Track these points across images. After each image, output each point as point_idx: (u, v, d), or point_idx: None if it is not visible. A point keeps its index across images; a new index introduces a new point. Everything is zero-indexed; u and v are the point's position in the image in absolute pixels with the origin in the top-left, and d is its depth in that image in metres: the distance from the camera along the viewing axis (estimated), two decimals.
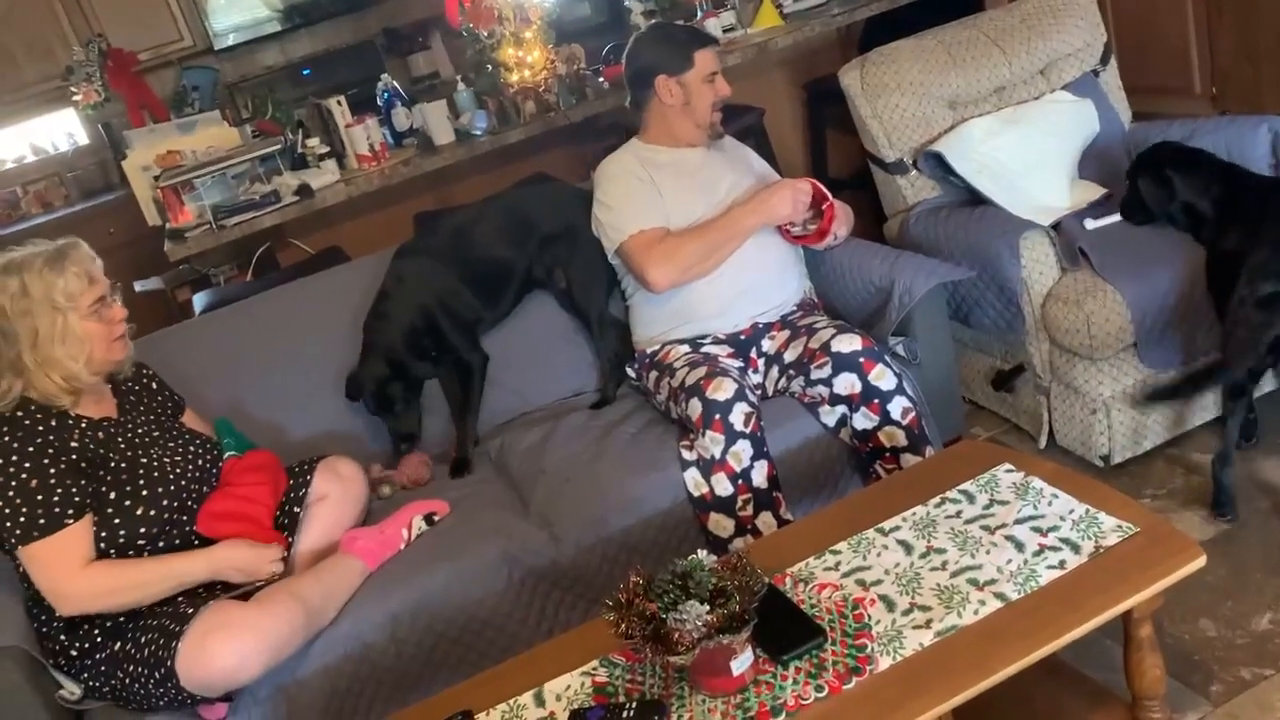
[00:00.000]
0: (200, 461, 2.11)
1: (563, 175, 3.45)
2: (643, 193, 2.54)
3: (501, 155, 3.72)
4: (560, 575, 2.20)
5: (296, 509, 2.23)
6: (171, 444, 2.10)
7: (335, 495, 2.27)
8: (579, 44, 4.06)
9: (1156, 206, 2.55)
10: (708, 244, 2.48)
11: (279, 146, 3.55)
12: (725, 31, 4.15)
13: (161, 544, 2.01)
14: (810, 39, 4.04)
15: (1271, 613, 2.08)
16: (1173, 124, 2.91)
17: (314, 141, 3.72)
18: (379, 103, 3.92)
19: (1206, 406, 2.61)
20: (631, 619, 1.54)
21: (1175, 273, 2.46)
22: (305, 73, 5.80)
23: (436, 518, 2.28)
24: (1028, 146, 2.83)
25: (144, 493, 1.98)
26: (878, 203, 3.18)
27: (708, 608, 1.51)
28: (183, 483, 2.05)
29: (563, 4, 5.81)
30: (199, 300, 3.35)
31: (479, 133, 3.65)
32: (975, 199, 2.82)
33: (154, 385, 2.23)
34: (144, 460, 2.02)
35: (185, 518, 2.05)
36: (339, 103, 3.75)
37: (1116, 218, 2.66)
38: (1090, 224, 2.65)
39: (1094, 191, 2.80)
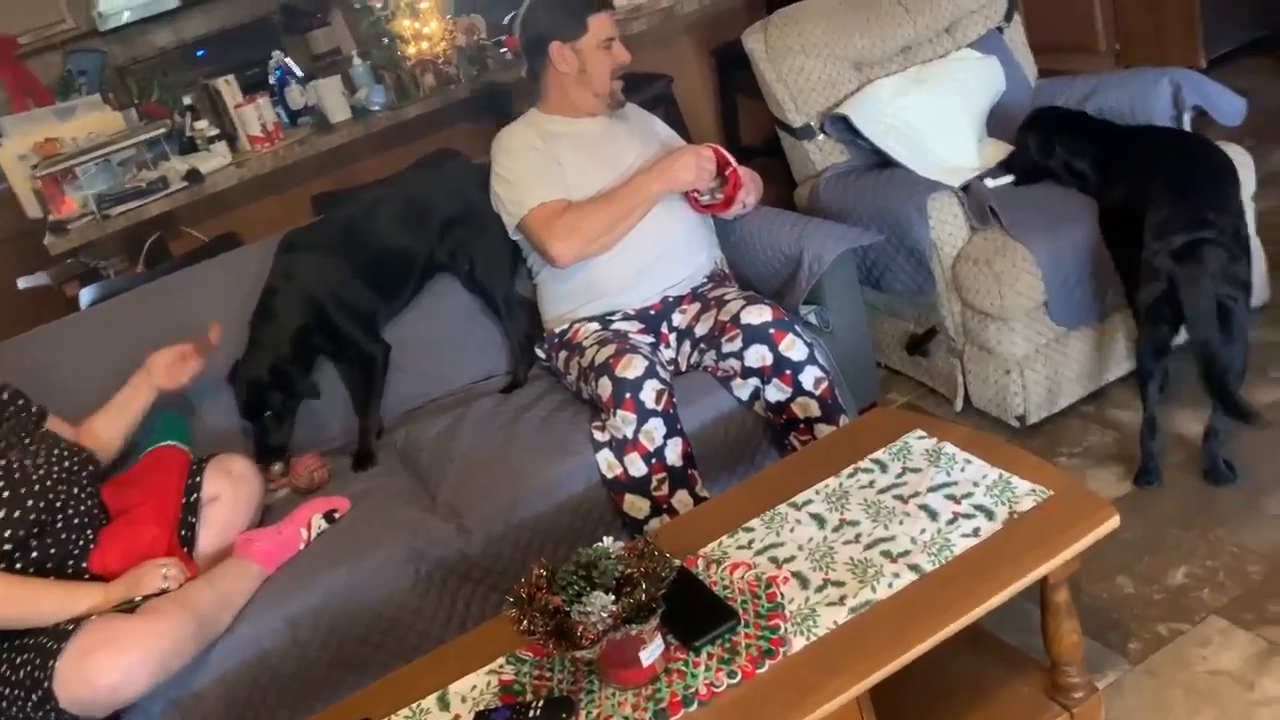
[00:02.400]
0: (67, 464, 2.00)
1: (468, 150, 3.34)
2: (541, 165, 2.45)
3: (402, 131, 3.59)
4: (471, 568, 2.11)
5: (193, 519, 2.11)
6: (33, 447, 1.99)
7: (228, 495, 2.15)
8: (480, 14, 3.94)
9: (1041, 168, 2.57)
10: (611, 214, 2.40)
11: (164, 130, 3.38)
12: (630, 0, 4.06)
13: (34, 548, 1.91)
14: (717, 3, 3.97)
15: (1186, 566, 2.08)
16: (1076, 80, 2.90)
17: (203, 124, 3.56)
18: (271, 81, 3.76)
19: (1119, 361, 2.61)
20: (534, 614, 1.47)
21: (1084, 229, 2.45)
22: (200, 54, 5.56)
23: (337, 515, 2.18)
24: (935, 106, 2.79)
25: (5, 494, 1.88)
26: (790, 169, 3.12)
27: (613, 598, 1.45)
28: (48, 483, 1.94)
29: None
30: (86, 295, 3.17)
31: (376, 108, 3.52)
32: (884, 162, 2.78)
33: (5, 396, 2.09)
34: (2, 464, 1.91)
35: (54, 520, 1.94)
36: (228, 82, 3.59)
37: (1012, 177, 2.65)
38: (990, 183, 2.63)
39: (1002, 150, 2.78)
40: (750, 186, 2.54)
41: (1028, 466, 1.73)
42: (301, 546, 2.11)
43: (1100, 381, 2.62)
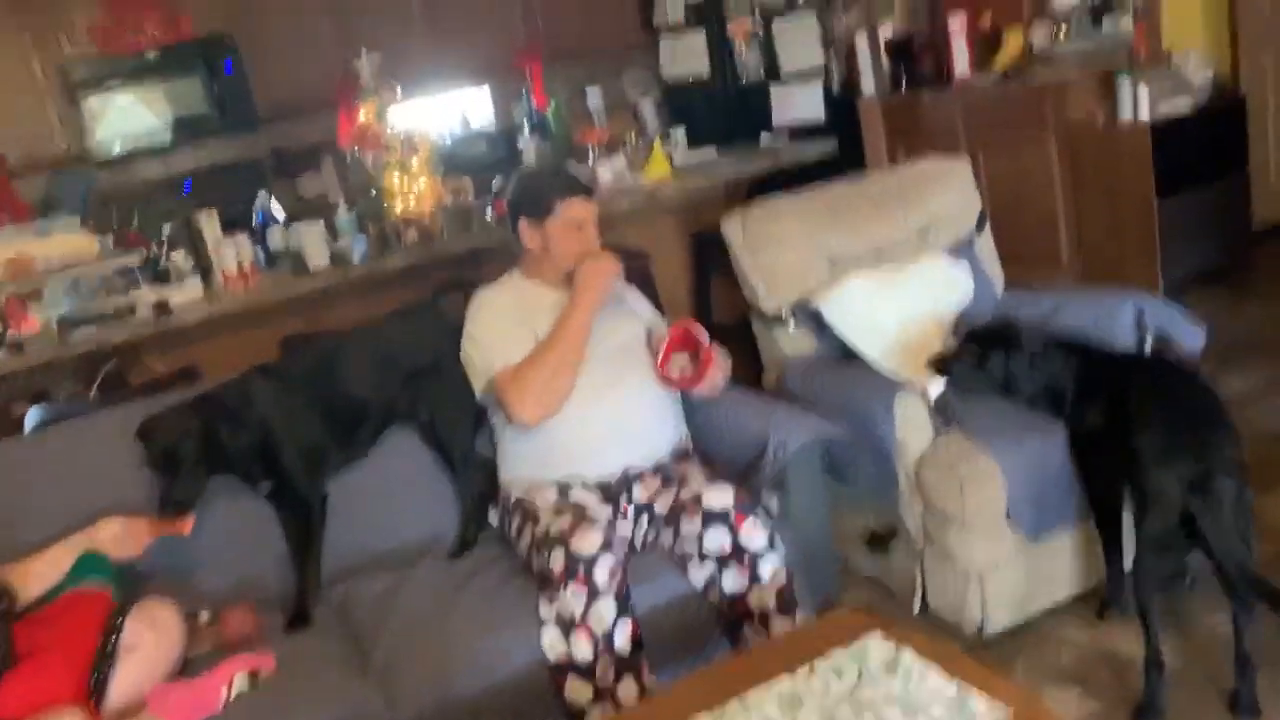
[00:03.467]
0: None
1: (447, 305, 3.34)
2: (513, 327, 2.45)
3: (380, 282, 3.60)
4: None
5: (106, 668, 1.97)
6: None
7: (148, 646, 2.02)
8: (471, 177, 4.04)
9: (997, 380, 2.53)
10: (553, 357, 2.38)
11: (138, 258, 3.37)
12: (616, 177, 4.19)
13: None
14: (699, 190, 4.10)
15: None
16: (1042, 294, 2.99)
17: (179, 255, 3.55)
18: (254, 221, 3.79)
19: (1082, 576, 2.58)
20: None
21: (1050, 440, 2.47)
22: (186, 188, 5.62)
23: (261, 675, 2.05)
24: (904, 307, 2.85)
25: None
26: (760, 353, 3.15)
27: None
28: None
29: (460, 140, 5.85)
30: (32, 415, 3.08)
31: (356, 258, 3.54)
32: (851, 355, 2.81)
33: None
34: None
35: None
36: (209, 216, 3.61)
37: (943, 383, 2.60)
38: (932, 390, 2.60)
39: None
40: (720, 365, 2.55)
41: (987, 683, 1.68)
42: (219, 709, 1.98)
43: (1061, 596, 2.58)
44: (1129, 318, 2.71)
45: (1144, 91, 4.30)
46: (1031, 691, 2.27)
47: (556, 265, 2.52)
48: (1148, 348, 2.71)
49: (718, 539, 2.21)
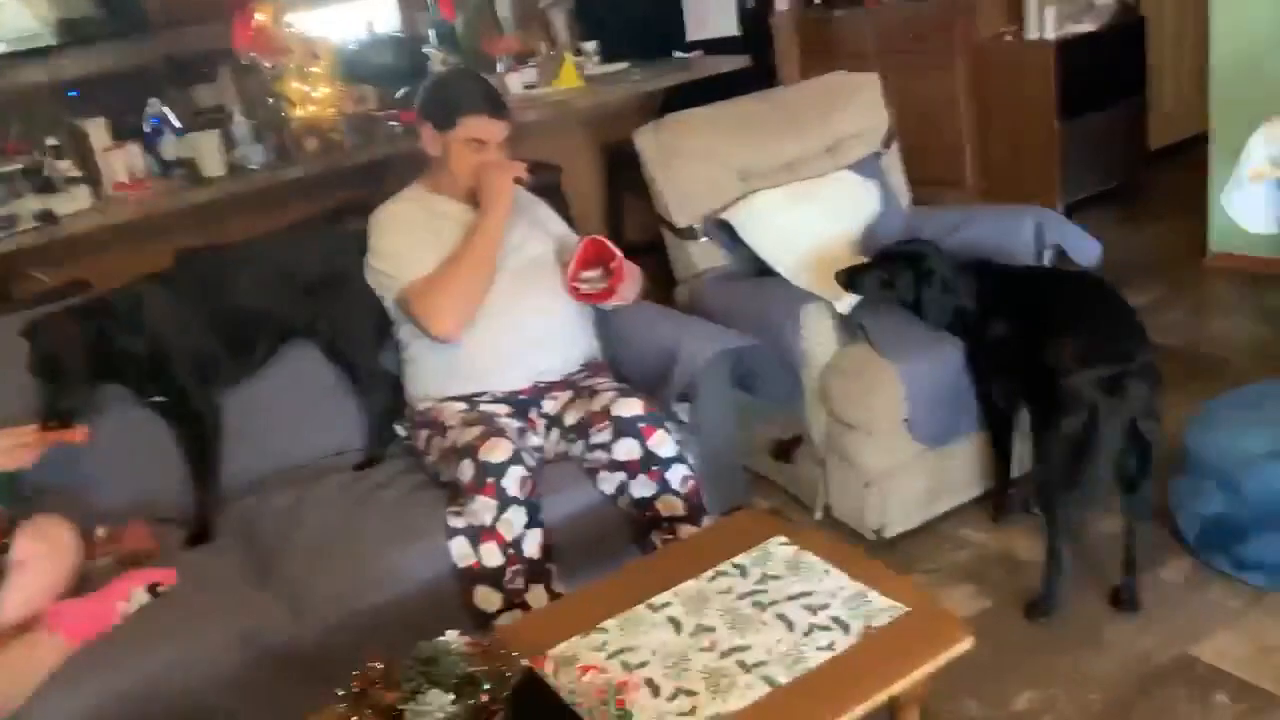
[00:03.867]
0: None
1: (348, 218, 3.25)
2: (420, 240, 2.40)
3: (279, 193, 3.48)
4: (303, 657, 1.97)
5: None
6: None
7: (39, 561, 1.96)
8: (377, 86, 3.90)
9: (903, 300, 2.55)
10: (465, 269, 2.34)
11: (19, 167, 3.19)
12: (526, 88, 4.09)
13: None
14: (611, 103, 4.04)
15: (1030, 692, 2.11)
16: (947, 210, 3.04)
17: (65, 164, 3.37)
18: (145, 129, 3.61)
19: (975, 482, 2.68)
20: (366, 711, 1.37)
21: (949, 353, 2.52)
22: (72, 94, 5.33)
23: (161, 588, 2.01)
24: (813, 221, 2.87)
25: None
26: (672, 268, 3.15)
27: (453, 697, 1.36)
28: None
29: (364, 47, 5.64)
30: None
31: (254, 167, 3.41)
32: (762, 269, 2.83)
33: None
34: None
35: None
36: (97, 125, 3.43)
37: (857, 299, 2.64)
38: (841, 305, 2.64)
39: None
40: (631, 279, 2.53)
41: (885, 581, 1.74)
42: (117, 621, 1.94)
43: (956, 500, 2.68)
44: (1029, 233, 2.77)
45: (1050, 11, 4.36)
46: (927, 589, 2.37)
47: (454, 179, 2.46)
48: (1046, 261, 2.78)
49: (627, 449, 2.22)
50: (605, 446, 2.24)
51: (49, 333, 2.20)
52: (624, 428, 2.22)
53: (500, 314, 2.40)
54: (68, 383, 2.16)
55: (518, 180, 2.43)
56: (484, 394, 2.41)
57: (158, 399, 2.36)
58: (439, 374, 2.44)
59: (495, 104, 2.46)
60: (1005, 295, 2.49)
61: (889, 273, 2.55)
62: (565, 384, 2.45)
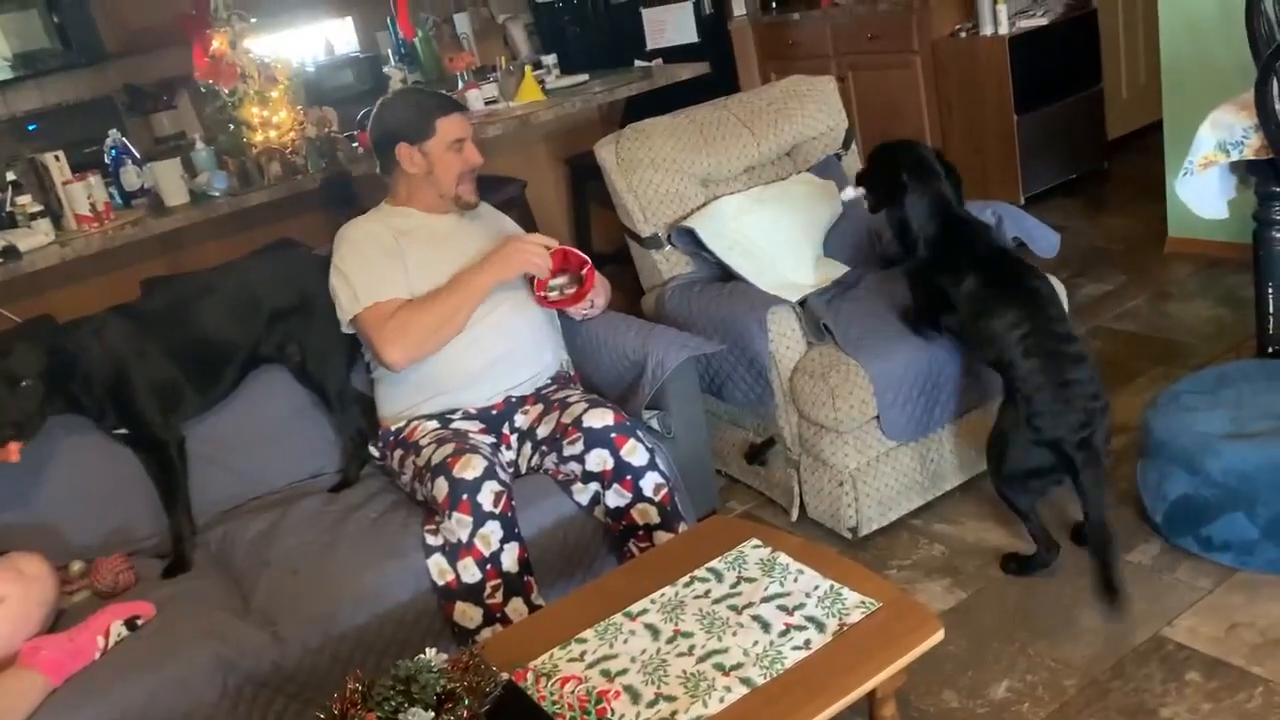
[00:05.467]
0: None
1: (311, 242, 3.25)
2: (382, 262, 2.40)
3: (243, 218, 3.48)
4: (285, 681, 1.98)
5: None
6: None
7: (16, 597, 1.96)
8: (339, 108, 3.91)
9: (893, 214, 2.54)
10: (440, 312, 2.35)
11: None
12: (487, 104, 4.11)
13: None
14: (573, 115, 4.06)
15: (1008, 680, 2.13)
16: None
17: (25, 199, 3.36)
18: (106, 160, 3.60)
19: (947, 476, 2.71)
20: None
21: (913, 350, 2.55)
22: (31, 128, 5.30)
23: (140, 621, 2.01)
24: (776, 225, 2.89)
25: None
26: (639, 278, 3.17)
27: (433, 714, 1.37)
28: None
29: (323, 69, 5.64)
30: None
31: (217, 193, 3.40)
32: (726, 275, 2.85)
33: None
34: None
35: None
36: (56, 158, 3.41)
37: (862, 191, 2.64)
38: (848, 194, 2.66)
39: (837, 270, 2.89)
40: (600, 288, 2.56)
41: (858, 578, 1.76)
42: (96, 656, 1.93)
43: (929, 496, 2.71)
44: (990, 222, 2.79)
45: (1003, 7, 4.42)
46: (901, 585, 2.39)
47: (440, 187, 2.47)
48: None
49: (600, 459, 2.23)
50: (578, 458, 2.25)
51: (6, 348, 2.18)
52: (595, 438, 2.24)
53: (469, 331, 2.40)
54: (19, 400, 2.14)
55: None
56: (455, 411, 2.42)
57: (119, 430, 2.36)
58: (410, 393, 2.44)
59: (455, 103, 2.60)
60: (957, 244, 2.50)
61: (892, 181, 2.52)
62: (536, 398, 2.47)
